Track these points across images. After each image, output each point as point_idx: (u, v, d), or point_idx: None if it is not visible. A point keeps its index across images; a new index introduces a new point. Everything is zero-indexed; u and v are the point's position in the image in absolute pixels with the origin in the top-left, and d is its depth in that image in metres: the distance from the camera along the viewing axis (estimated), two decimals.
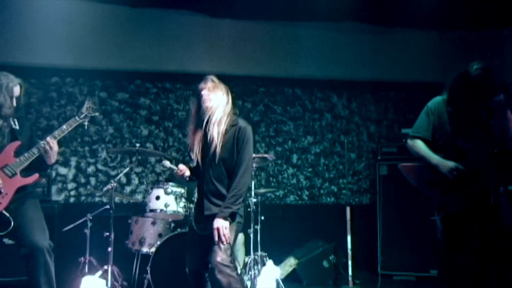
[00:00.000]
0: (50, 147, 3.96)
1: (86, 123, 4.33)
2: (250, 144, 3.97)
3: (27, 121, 4.40)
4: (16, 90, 4.15)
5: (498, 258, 3.56)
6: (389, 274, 6.56)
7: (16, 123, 4.18)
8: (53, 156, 4.03)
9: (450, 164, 3.87)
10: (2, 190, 3.92)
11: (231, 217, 3.85)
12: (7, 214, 3.89)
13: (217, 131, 3.89)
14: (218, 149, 3.87)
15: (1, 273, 4.73)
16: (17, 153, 4.03)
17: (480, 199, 3.77)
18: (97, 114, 4.39)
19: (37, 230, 4.00)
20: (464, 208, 3.85)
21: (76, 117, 4.23)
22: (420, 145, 4.06)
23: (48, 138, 3.99)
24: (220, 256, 3.79)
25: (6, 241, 4.36)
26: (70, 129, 4.14)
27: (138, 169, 7.13)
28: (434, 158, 3.96)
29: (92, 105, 4.29)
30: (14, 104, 4.15)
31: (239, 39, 7.28)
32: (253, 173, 5.98)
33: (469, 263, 3.90)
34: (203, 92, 3.92)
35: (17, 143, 4.06)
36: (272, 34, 7.42)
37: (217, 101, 3.94)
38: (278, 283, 5.33)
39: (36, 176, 4.07)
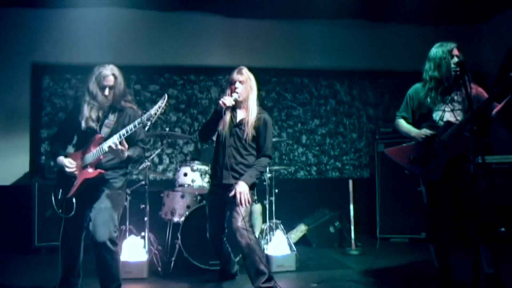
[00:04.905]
0: (115, 147, 3.46)
1: (148, 125, 3.49)
2: (271, 133, 4.11)
3: (129, 112, 3.77)
4: (109, 80, 3.65)
5: (471, 216, 3.63)
6: (387, 237, 6.55)
7: (112, 114, 3.71)
8: (119, 155, 3.51)
9: (422, 131, 3.98)
10: (74, 179, 3.59)
11: (251, 187, 3.94)
12: (73, 201, 3.57)
13: (248, 117, 3.98)
14: (246, 133, 3.97)
15: None
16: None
17: (455, 164, 3.86)
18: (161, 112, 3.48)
19: (99, 224, 3.51)
20: (442, 175, 3.89)
21: (143, 117, 3.47)
22: (402, 123, 4.20)
23: (111, 140, 3.47)
24: (240, 221, 3.84)
25: None
26: (134, 129, 3.50)
27: (169, 151, 7.13)
28: (413, 131, 4.07)
29: (165, 105, 3.44)
30: (107, 94, 3.64)
31: (253, 36, 7.34)
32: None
33: (445, 222, 4.00)
34: (237, 84, 3.95)
35: (98, 136, 3.59)
36: (282, 30, 7.43)
37: (248, 90, 4.00)
38: (290, 247, 5.22)
39: (96, 172, 3.57)
